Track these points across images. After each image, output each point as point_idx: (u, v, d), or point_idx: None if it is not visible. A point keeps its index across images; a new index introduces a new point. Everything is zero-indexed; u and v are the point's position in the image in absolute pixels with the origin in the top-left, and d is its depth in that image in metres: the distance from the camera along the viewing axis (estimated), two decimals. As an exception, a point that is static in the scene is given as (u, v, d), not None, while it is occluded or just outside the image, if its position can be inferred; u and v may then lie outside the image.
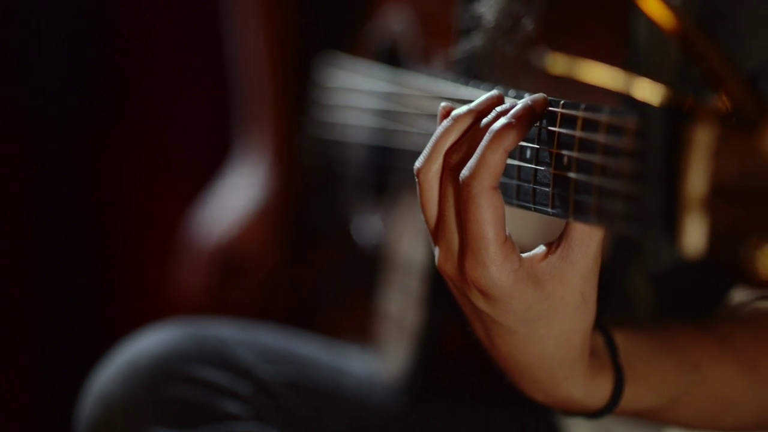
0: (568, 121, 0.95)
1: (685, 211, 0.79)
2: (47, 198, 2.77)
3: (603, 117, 0.90)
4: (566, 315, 1.02)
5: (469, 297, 1.03)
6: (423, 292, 1.49)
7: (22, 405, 2.78)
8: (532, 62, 1.18)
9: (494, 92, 1.04)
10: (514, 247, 1.00)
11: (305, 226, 2.23)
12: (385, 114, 1.66)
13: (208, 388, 1.36)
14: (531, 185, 1.00)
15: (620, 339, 1.07)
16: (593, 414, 1.08)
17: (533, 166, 1.00)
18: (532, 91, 1.02)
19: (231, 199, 2.22)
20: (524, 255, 1.01)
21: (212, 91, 2.75)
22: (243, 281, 2.22)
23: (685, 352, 1.10)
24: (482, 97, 1.04)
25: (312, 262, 2.20)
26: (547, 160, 0.98)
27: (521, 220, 1.09)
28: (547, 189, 0.98)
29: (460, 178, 0.99)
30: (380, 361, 1.58)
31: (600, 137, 0.90)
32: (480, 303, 1.02)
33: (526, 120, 0.98)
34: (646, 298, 1.29)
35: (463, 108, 1.03)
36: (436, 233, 1.03)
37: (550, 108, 0.98)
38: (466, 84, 1.16)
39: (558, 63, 0.94)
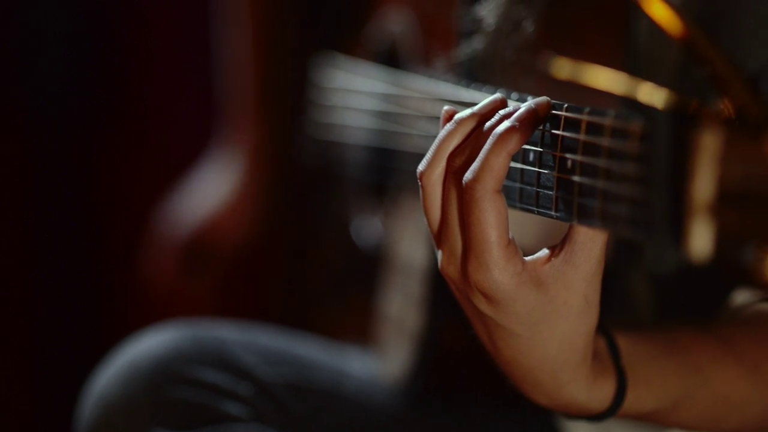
0: (572, 125, 0.95)
1: (691, 215, 0.79)
2: (47, 198, 2.77)
3: (607, 120, 0.90)
4: (569, 318, 1.02)
5: (472, 300, 1.02)
6: (423, 294, 1.49)
7: (22, 405, 2.78)
8: (533, 65, 1.18)
9: (497, 95, 1.04)
10: (517, 250, 1.00)
11: (305, 227, 2.23)
12: (384, 115, 1.66)
13: (208, 390, 1.36)
14: (534, 188, 1.00)
15: (622, 342, 1.07)
16: (595, 417, 1.08)
17: (537, 169, 1.00)
18: (533, 95, 1.02)
19: (203, 191, 2.27)
20: (527, 258, 1.01)
21: (212, 91, 2.74)
22: (208, 270, 2.28)
23: (687, 354, 1.10)
24: (485, 100, 1.04)
25: (312, 262, 2.20)
26: (550, 164, 0.98)
27: (524, 224, 1.09)
28: (551, 192, 0.98)
29: (463, 182, 0.99)
30: (380, 363, 1.58)
31: (604, 141, 0.90)
32: (483, 306, 1.02)
33: (529, 123, 0.98)
34: (647, 301, 1.29)
35: (466, 111, 1.03)
36: (439, 236, 1.03)
37: (554, 111, 0.98)
38: (468, 86, 1.16)
39: (560, 66, 0.94)
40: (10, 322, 2.76)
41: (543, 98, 1.00)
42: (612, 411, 1.07)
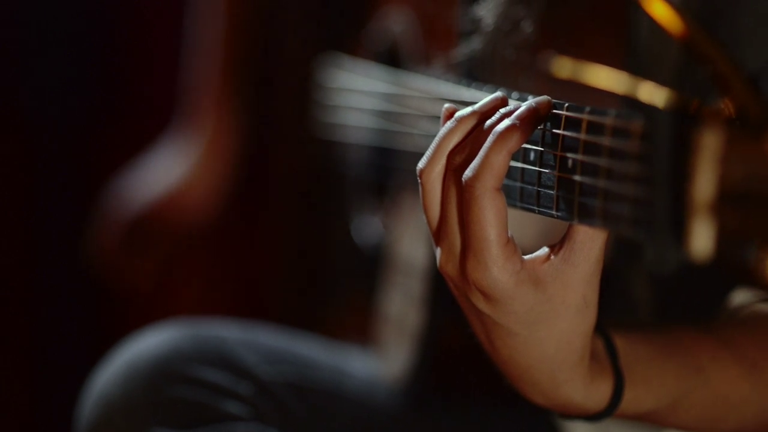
0: (573, 124, 0.95)
1: (691, 215, 0.79)
2: (47, 198, 2.77)
3: (608, 120, 0.90)
4: (567, 318, 1.02)
5: (470, 298, 1.02)
6: (424, 294, 1.49)
7: (22, 405, 2.78)
8: (533, 65, 1.18)
9: (498, 94, 1.04)
10: (516, 248, 1.00)
11: (305, 227, 2.23)
12: (385, 115, 1.66)
13: (208, 389, 1.36)
14: (535, 188, 1.00)
15: (620, 342, 1.07)
16: (593, 417, 1.08)
17: (537, 168, 1.00)
18: (534, 94, 1.02)
19: (157, 171, 2.31)
20: (526, 257, 1.01)
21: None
22: (152, 249, 2.31)
23: (686, 354, 1.10)
24: (486, 98, 1.04)
25: (312, 262, 2.20)
26: (551, 163, 0.98)
27: (523, 223, 1.09)
28: (552, 191, 0.98)
29: (463, 180, 0.99)
30: (381, 362, 1.58)
31: (605, 140, 0.90)
32: (481, 304, 1.02)
33: (529, 122, 0.98)
34: (647, 301, 1.29)
35: (467, 109, 1.03)
36: (438, 234, 1.03)
37: (555, 110, 0.98)
38: (468, 86, 1.16)
39: (560, 66, 0.94)
40: (10, 322, 2.76)
41: (544, 97, 1.00)
42: (609, 411, 1.06)
